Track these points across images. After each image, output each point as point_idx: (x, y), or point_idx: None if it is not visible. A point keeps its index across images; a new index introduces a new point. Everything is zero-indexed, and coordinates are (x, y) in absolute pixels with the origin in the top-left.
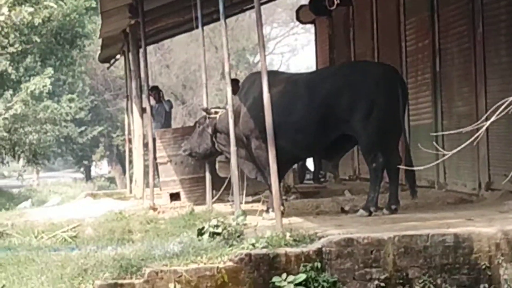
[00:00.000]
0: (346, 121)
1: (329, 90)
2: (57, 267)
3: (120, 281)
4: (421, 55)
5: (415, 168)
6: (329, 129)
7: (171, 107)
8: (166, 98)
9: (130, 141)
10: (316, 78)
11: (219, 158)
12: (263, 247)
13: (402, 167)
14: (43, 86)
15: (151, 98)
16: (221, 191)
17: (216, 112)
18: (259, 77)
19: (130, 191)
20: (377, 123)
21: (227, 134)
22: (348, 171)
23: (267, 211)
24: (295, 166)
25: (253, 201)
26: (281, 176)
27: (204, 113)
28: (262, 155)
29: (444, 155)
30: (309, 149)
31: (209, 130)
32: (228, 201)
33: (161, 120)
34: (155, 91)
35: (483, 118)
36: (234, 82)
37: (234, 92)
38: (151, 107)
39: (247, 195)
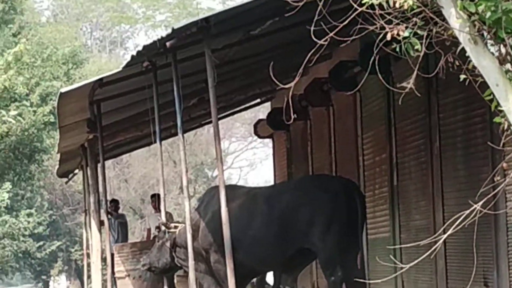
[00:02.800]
0: (305, 235)
1: (288, 204)
2: None
3: None
4: (378, 169)
5: (372, 281)
6: (288, 243)
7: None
8: (120, 212)
9: (88, 255)
10: (274, 192)
11: (177, 272)
12: None
13: (360, 280)
14: (1, 201)
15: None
16: None
17: (175, 227)
18: (218, 191)
19: None
20: (336, 237)
21: (187, 248)
22: (307, 286)
23: None
24: (254, 280)
25: None
26: None
27: (163, 228)
28: (221, 269)
29: (402, 268)
30: (267, 262)
31: (168, 244)
32: None
33: (114, 235)
34: (114, 203)
35: (441, 231)
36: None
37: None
38: (109, 221)
39: None
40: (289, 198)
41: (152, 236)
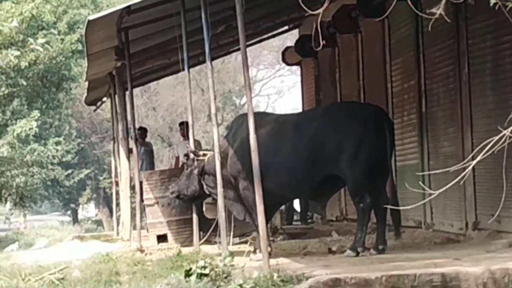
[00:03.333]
0: (333, 162)
1: (316, 130)
2: None
3: None
4: (407, 96)
5: (401, 208)
6: (317, 170)
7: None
8: (147, 140)
9: (117, 183)
10: (303, 119)
11: (206, 200)
12: None
13: (389, 207)
14: (30, 129)
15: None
16: (208, 233)
17: (204, 154)
18: (246, 118)
19: (117, 234)
20: (365, 163)
21: (215, 176)
22: (335, 212)
23: (254, 252)
24: (283, 207)
25: (241, 242)
26: (268, 217)
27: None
28: (249, 196)
29: (430, 194)
30: (296, 190)
31: (197, 172)
32: (215, 242)
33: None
34: (142, 131)
35: (469, 157)
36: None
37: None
38: (138, 148)
39: (234, 236)
40: (318, 125)
41: (180, 163)
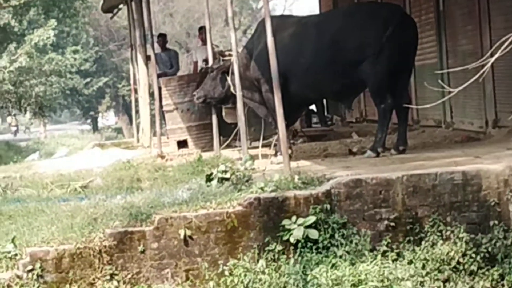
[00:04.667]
0: (355, 63)
1: (338, 31)
2: (67, 217)
3: (130, 229)
4: None
5: (420, 107)
6: (339, 71)
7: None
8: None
9: (136, 90)
10: (325, 20)
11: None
12: (272, 191)
13: (410, 106)
14: (47, 38)
15: (156, 45)
16: (230, 138)
17: (230, 54)
18: (272, 21)
19: (138, 140)
20: (386, 64)
21: (241, 77)
22: (355, 113)
23: (275, 155)
24: None
25: (261, 146)
26: (293, 120)
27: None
28: (271, 98)
29: (449, 93)
30: (320, 91)
31: (221, 69)
32: (235, 146)
33: (165, 69)
34: (162, 38)
35: (488, 54)
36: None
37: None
38: (156, 55)
39: (254, 140)
40: (339, 26)
41: (199, 68)
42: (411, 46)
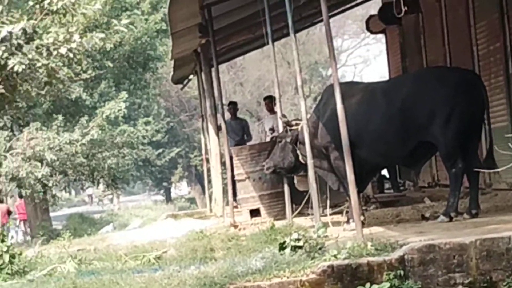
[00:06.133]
0: (426, 128)
1: (407, 97)
2: None
3: None
4: (493, 58)
5: (492, 171)
6: (409, 136)
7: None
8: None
9: (207, 160)
10: (393, 86)
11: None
12: (345, 258)
13: (481, 170)
14: (118, 110)
15: (227, 113)
16: (302, 205)
17: (296, 124)
18: (340, 88)
19: (210, 210)
20: (457, 128)
21: (310, 145)
22: (427, 178)
23: (347, 222)
24: None
25: (333, 213)
26: (364, 186)
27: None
28: (341, 166)
29: None
30: (389, 157)
31: (289, 140)
32: (308, 214)
33: (236, 138)
34: (232, 105)
35: None
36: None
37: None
38: (226, 123)
39: (326, 207)
40: (408, 91)
41: (267, 138)
42: (481, 109)
